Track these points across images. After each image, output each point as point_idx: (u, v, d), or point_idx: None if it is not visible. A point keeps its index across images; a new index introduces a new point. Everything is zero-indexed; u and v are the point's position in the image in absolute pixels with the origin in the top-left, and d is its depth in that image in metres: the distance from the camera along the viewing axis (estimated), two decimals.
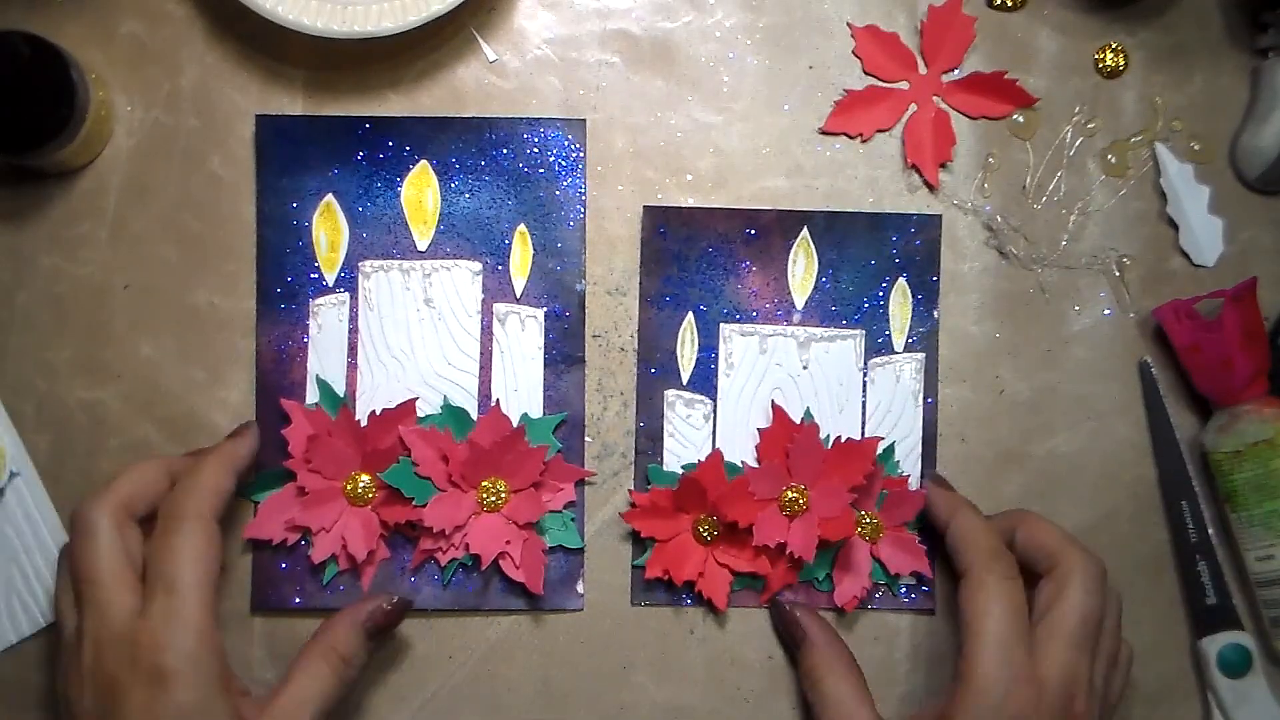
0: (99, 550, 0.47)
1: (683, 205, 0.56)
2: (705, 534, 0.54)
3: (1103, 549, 0.56)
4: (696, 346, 0.56)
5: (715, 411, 0.56)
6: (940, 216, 0.57)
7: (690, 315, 0.56)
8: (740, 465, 0.55)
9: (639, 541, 0.55)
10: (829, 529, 0.53)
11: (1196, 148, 0.58)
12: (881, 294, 0.57)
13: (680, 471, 0.55)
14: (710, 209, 0.56)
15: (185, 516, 0.47)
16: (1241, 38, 0.58)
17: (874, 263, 0.57)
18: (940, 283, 0.57)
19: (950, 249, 0.57)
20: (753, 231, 0.56)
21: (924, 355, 0.57)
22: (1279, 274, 0.58)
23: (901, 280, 0.57)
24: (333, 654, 0.49)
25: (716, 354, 0.56)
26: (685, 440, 0.56)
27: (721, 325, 0.56)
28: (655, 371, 0.56)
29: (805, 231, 0.57)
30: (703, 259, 0.56)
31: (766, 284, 0.56)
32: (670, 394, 0.56)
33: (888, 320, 0.57)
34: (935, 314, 0.57)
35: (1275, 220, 0.58)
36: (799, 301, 0.56)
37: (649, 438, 0.56)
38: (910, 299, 0.57)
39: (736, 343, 0.56)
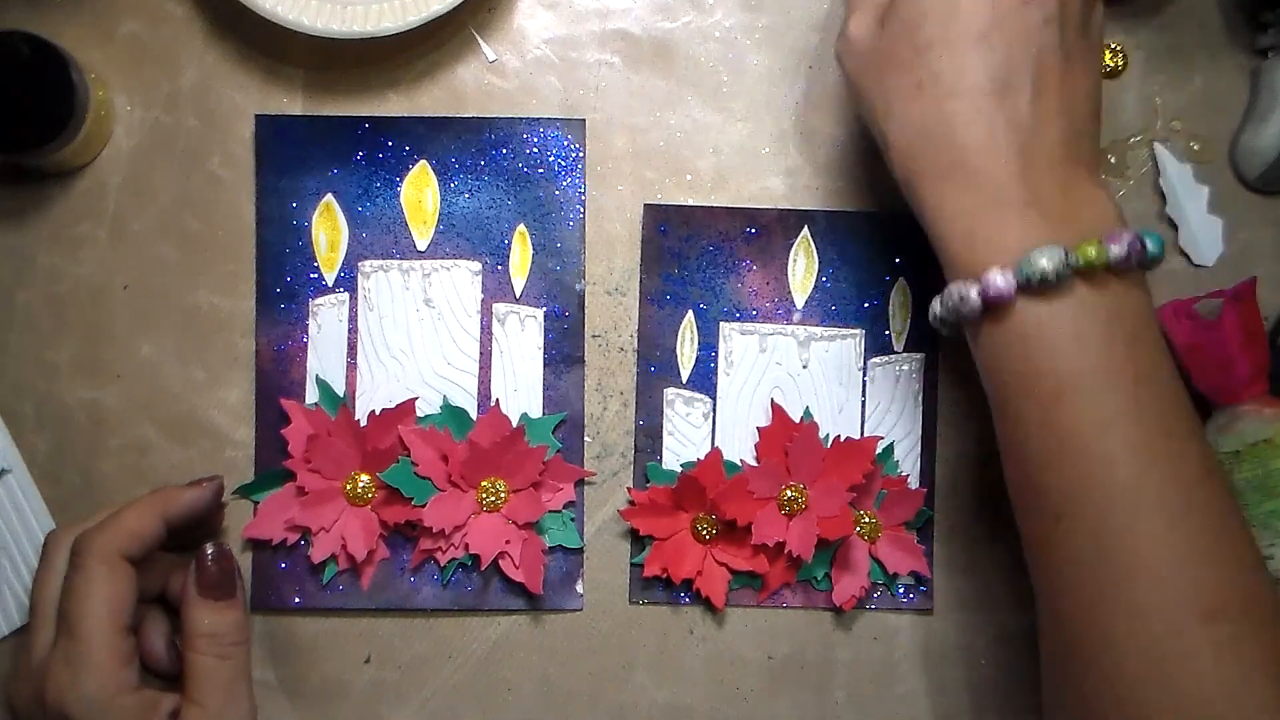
0: (45, 580, 0.48)
1: (683, 204, 0.57)
2: (704, 532, 0.54)
3: None
4: (696, 345, 0.56)
5: (715, 410, 0.56)
6: None
7: (690, 314, 0.56)
8: (739, 464, 0.55)
9: (637, 539, 0.55)
10: (828, 528, 0.53)
11: (1196, 148, 0.58)
12: (882, 293, 0.57)
13: (679, 470, 0.55)
14: (711, 208, 0.56)
15: (93, 555, 0.47)
16: (1241, 38, 0.58)
17: (874, 262, 0.57)
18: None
19: None
20: (753, 230, 0.56)
21: (924, 355, 0.57)
22: (1279, 274, 0.58)
23: (902, 280, 0.57)
24: (202, 643, 0.48)
25: (716, 352, 0.56)
26: (684, 438, 0.56)
27: (721, 324, 0.56)
28: (655, 370, 0.56)
29: (806, 230, 0.57)
30: (703, 257, 0.56)
31: (767, 283, 0.56)
32: (670, 392, 0.56)
33: (888, 320, 0.57)
34: None
35: (1275, 220, 0.58)
36: (799, 300, 0.56)
37: (648, 435, 0.56)
38: (910, 298, 0.57)
39: (736, 341, 0.56)
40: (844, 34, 0.49)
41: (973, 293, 0.44)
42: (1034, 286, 0.43)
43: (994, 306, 0.44)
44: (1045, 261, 0.42)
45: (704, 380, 0.56)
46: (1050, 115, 0.45)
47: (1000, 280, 0.43)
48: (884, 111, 0.47)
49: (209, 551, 0.49)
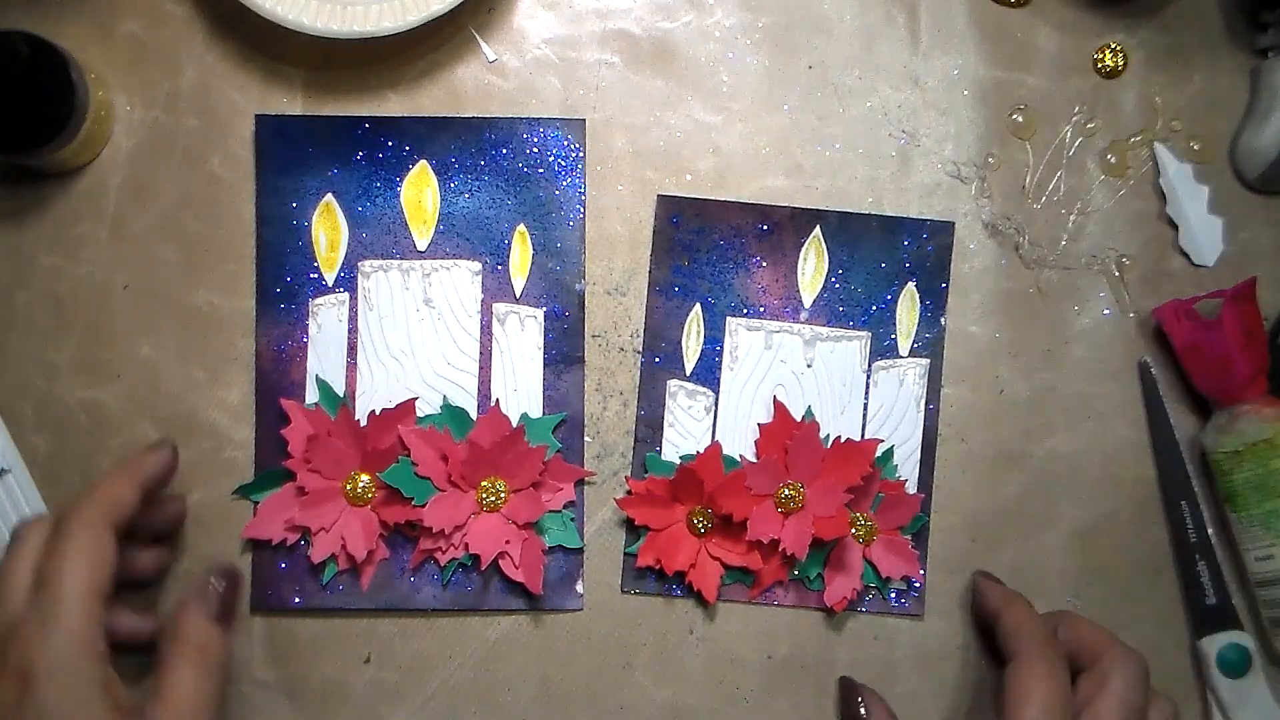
0: (19, 552, 0.46)
1: (697, 196, 0.56)
2: (699, 525, 0.54)
3: (1102, 549, 0.56)
4: (702, 338, 0.56)
5: (717, 404, 0.56)
6: (953, 224, 0.57)
7: (698, 306, 0.56)
8: (738, 459, 0.55)
9: (632, 529, 0.55)
10: (823, 528, 0.53)
11: (1196, 147, 0.58)
12: (890, 297, 0.57)
13: (678, 462, 0.55)
14: (724, 202, 0.56)
15: (78, 522, 0.46)
16: (1241, 37, 0.58)
17: (884, 266, 0.57)
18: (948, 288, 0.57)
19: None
20: (765, 227, 0.56)
21: (929, 361, 0.57)
22: (1279, 274, 0.58)
23: (910, 285, 0.57)
24: (192, 651, 0.46)
25: (721, 347, 0.56)
26: (685, 431, 0.56)
27: (728, 318, 0.56)
28: (659, 361, 0.56)
29: (818, 230, 0.57)
30: (714, 251, 0.56)
31: (776, 280, 0.56)
32: (673, 384, 0.56)
33: (894, 324, 0.57)
34: (942, 320, 0.57)
35: (1275, 220, 0.58)
36: (807, 300, 0.56)
37: (649, 426, 0.56)
38: (918, 304, 0.57)
39: (742, 337, 0.56)
40: None
41: None
42: None
43: None
44: None
45: (707, 374, 0.56)
46: None
47: None
48: None
49: (225, 576, 0.49)
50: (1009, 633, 0.51)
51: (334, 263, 0.56)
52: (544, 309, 0.56)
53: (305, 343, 0.55)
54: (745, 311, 0.56)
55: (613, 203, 0.57)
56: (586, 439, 0.56)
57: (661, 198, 0.56)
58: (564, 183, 0.56)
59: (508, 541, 0.54)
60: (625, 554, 0.56)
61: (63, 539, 0.45)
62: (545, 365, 0.56)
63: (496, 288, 0.56)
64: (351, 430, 0.54)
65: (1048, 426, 0.57)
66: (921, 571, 0.56)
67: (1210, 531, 0.57)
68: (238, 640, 0.55)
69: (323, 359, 0.55)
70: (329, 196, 0.56)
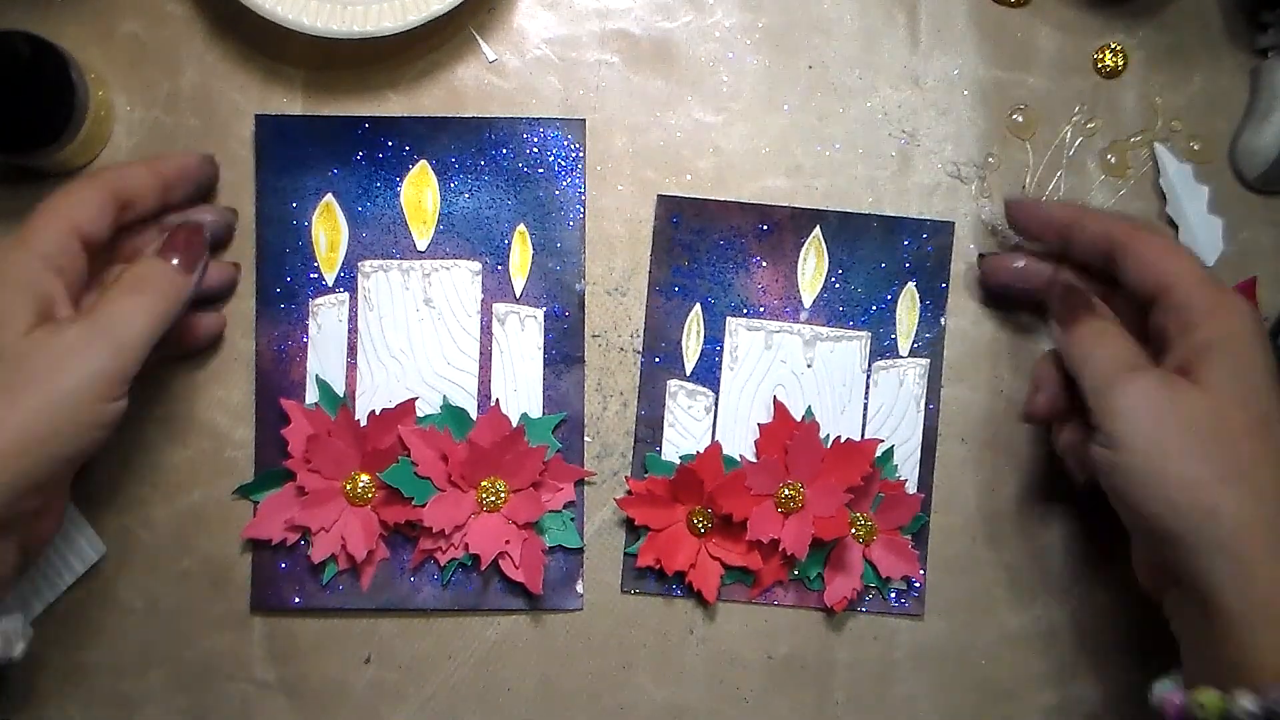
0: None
1: (697, 196, 0.56)
2: (699, 525, 0.54)
3: (1103, 551, 0.56)
4: (702, 338, 0.56)
5: (717, 404, 0.56)
6: (953, 224, 0.57)
7: (698, 306, 0.56)
8: (738, 459, 0.55)
9: (632, 529, 0.55)
10: (823, 528, 0.53)
11: (1196, 147, 0.58)
12: (890, 297, 0.57)
13: (678, 462, 0.55)
14: (725, 201, 0.56)
15: (77, 180, 0.49)
16: (1241, 37, 0.58)
17: (884, 266, 0.57)
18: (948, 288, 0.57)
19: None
20: (765, 227, 0.56)
21: (929, 361, 0.57)
22: (1279, 274, 0.58)
23: (911, 285, 0.57)
24: (132, 278, 0.47)
25: (721, 347, 0.56)
26: (685, 431, 0.56)
27: (728, 318, 0.56)
28: (659, 361, 0.56)
29: (818, 230, 0.57)
30: (714, 251, 0.56)
31: (776, 280, 0.56)
32: (673, 384, 0.56)
33: (894, 324, 0.57)
34: (942, 320, 0.57)
35: (1275, 220, 0.58)
36: (807, 300, 0.56)
37: (649, 426, 0.56)
38: (918, 304, 0.57)
39: (742, 337, 0.56)
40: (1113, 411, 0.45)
41: None
42: None
43: None
44: None
45: (708, 374, 0.56)
46: None
47: None
48: (1214, 484, 0.43)
49: (188, 225, 0.49)
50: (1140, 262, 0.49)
51: (334, 263, 0.56)
52: (544, 309, 0.56)
53: (305, 343, 0.55)
54: (745, 311, 0.56)
55: (613, 203, 0.57)
56: (586, 439, 0.56)
57: (661, 198, 0.56)
58: (564, 183, 0.56)
59: (508, 541, 0.54)
60: (625, 554, 0.56)
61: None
62: (545, 365, 0.56)
63: (496, 288, 0.56)
64: (351, 430, 0.54)
65: (1047, 427, 0.57)
66: (921, 571, 0.56)
67: None
68: (238, 640, 0.55)
69: (323, 359, 0.55)
70: (329, 196, 0.56)
